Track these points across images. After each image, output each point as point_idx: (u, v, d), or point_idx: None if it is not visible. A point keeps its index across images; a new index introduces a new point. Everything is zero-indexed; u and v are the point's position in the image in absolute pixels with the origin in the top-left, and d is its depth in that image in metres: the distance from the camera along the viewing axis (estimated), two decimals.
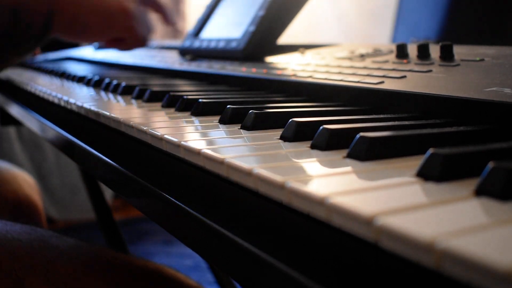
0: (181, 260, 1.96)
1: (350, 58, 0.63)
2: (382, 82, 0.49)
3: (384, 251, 0.21)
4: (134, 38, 0.87)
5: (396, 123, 0.37)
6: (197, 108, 0.50)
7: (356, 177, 0.27)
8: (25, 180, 1.03)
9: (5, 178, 0.98)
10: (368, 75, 0.52)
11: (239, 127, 0.43)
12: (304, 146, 0.35)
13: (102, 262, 0.57)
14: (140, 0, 0.87)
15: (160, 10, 0.99)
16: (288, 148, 0.35)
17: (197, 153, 0.34)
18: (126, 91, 0.69)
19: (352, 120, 0.40)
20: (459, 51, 0.54)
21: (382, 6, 1.78)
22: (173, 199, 0.34)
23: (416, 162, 0.28)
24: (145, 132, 0.42)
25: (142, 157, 0.46)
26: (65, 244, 0.57)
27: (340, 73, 0.56)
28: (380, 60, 0.58)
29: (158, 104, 0.58)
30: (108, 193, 1.89)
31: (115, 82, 0.73)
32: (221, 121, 0.45)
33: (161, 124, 0.48)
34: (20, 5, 0.71)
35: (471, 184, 0.24)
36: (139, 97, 0.64)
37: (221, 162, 0.31)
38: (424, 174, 0.26)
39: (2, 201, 0.93)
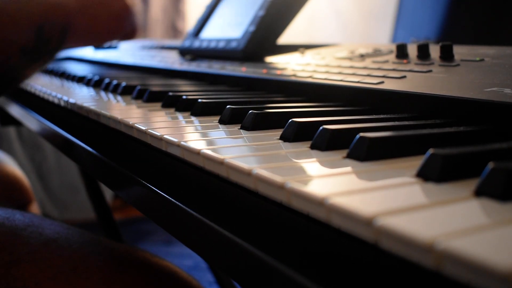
0: (181, 260, 1.96)
1: (350, 58, 0.63)
2: (382, 82, 0.49)
3: (384, 251, 0.21)
4: (134, 32, 0.87)
5: (396, 123, 0.37)
6: (197, 108, 0.50)
7: (356, 178, 0.27)
8: (5, 159, 1.04)
9: None
10: (368, 75, 0.52)
11: (239, 127, 0.43)
12: (304, 146, 0.35)
13: (105, 252, 0.56)
14: None
15: None
16: (288, 148, 0.35)
17: (197, 153, 0.34)
18: (126, 91, 0.69)
19: (352, 120, 0.40)
20: (459, 51, 0.54)
21: (382, 6, 1.78)
22: (172, 199, 0.34)
23: (416, 162, 0.28)
24: (144, 132, 0.42)
25: (142, 157, 0.46)
26: (67, 233, 0.56)
27: (340, 73, 0.56)
28: (380, 60, 0.58)
29: (158, 104, 0.58)
30: (108, 193, 1.89)
31: (115, 82, 0.73)
32: (221, 121, 0.45)
33: (161, 124, 0.48)
34: (45, 21, 0.69)
35: (471, 184, 0.24)
36: (139, 97, 0.64)
37: (220, 163, 0.31)
38: (424, 175, 0.26)
39: None
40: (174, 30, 2.69)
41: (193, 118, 0.49)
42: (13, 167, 1.02)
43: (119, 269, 0.54)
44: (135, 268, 0.55)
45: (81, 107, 0.60)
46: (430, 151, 0.26)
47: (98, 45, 0.87)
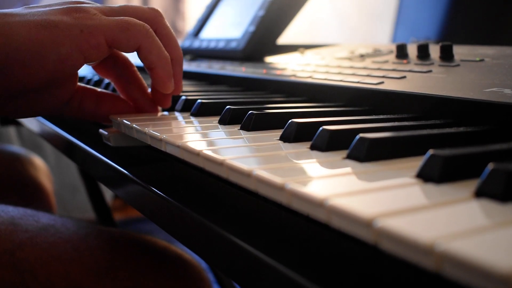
0: None
1: (350, 58, 0.63)
2: (382, 83, 0.48)
3: (384, 253, 0.21)
4: None
5: (396, 123, 0.37)
6: (197, 108, 0.50)
7: (355, 179, 0.27)
8: (31, 162, 1.02)
9: (12, 160, 0.98)
10: (368, 75, 0.52)
11: (239, 128, 0.43)
12: (304, 147, 0.35)
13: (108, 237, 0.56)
14: None
15: None
16: (288, 149, 0.35)
17: (197, 154, 0.34)
18: None
19: (352, 121, 0.40)
20: (459, 51, 0.54)
21: (382, 6, 1.78)
22: (172, 200, 0.34)
23: (416, 163, 0.28)
24: (144, 133, 0.42)
25: (141, 158, 0.46)
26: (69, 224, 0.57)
27: (340, 73, 0.56)
28: (380, 60, 0.58)
29: None
30: (108, 193, 1.89)
31: None
32: (221, 122, 0.45)
33: (160, 124, 0.47)
34: None
35: (471, 185, 0.24)
36: None
37: (220, 163, 0.31)
38: (424, 176, 0.26)
39: (10, 183, 0.93)
40: (174, 30, 2.68)
41: (192, 119, 0.49)
42: (34, 171, 1.00)
43: (118, 247, 0.56)
44: (132, 246, 0.57)
45: None
46: (430, 151, 0.26)
47: None
